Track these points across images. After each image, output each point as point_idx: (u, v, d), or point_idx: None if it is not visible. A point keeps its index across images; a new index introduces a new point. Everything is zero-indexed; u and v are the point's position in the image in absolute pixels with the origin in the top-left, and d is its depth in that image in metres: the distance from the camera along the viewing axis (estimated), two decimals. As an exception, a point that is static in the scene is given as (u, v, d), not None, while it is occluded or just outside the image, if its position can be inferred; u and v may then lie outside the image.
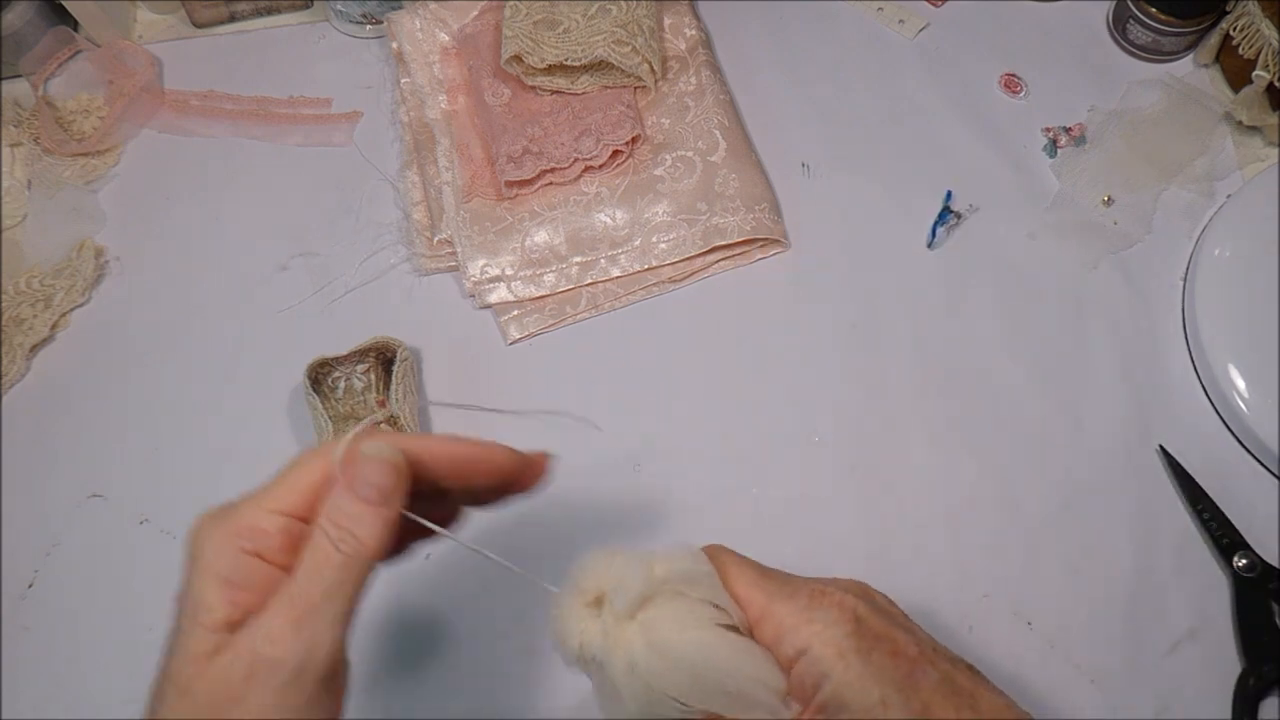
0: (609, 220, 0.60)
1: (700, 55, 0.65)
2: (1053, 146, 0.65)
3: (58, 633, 0.52)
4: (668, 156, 0.61)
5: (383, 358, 0.56)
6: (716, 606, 0.33)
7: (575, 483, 0.55)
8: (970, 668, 0.34)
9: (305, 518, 0.31)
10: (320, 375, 0.56)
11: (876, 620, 0.33)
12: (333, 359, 0.56)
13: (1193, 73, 0.68)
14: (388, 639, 0.51)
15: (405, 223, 0.62)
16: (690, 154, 0.61)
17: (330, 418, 0.54)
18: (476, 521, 0.55)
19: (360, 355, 0.56)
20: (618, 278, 0.60)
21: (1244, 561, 0.51)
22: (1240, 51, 0.63)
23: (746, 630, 0.34)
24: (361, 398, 0.56)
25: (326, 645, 0.29)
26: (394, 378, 0.55)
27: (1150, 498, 0.54)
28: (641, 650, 0.32)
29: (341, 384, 0.56)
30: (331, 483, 0.31)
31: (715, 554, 0.35)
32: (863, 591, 0.35)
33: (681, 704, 0.32)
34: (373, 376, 0.56)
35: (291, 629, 0.29)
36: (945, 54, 0.69)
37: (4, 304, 0.59)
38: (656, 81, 0.64)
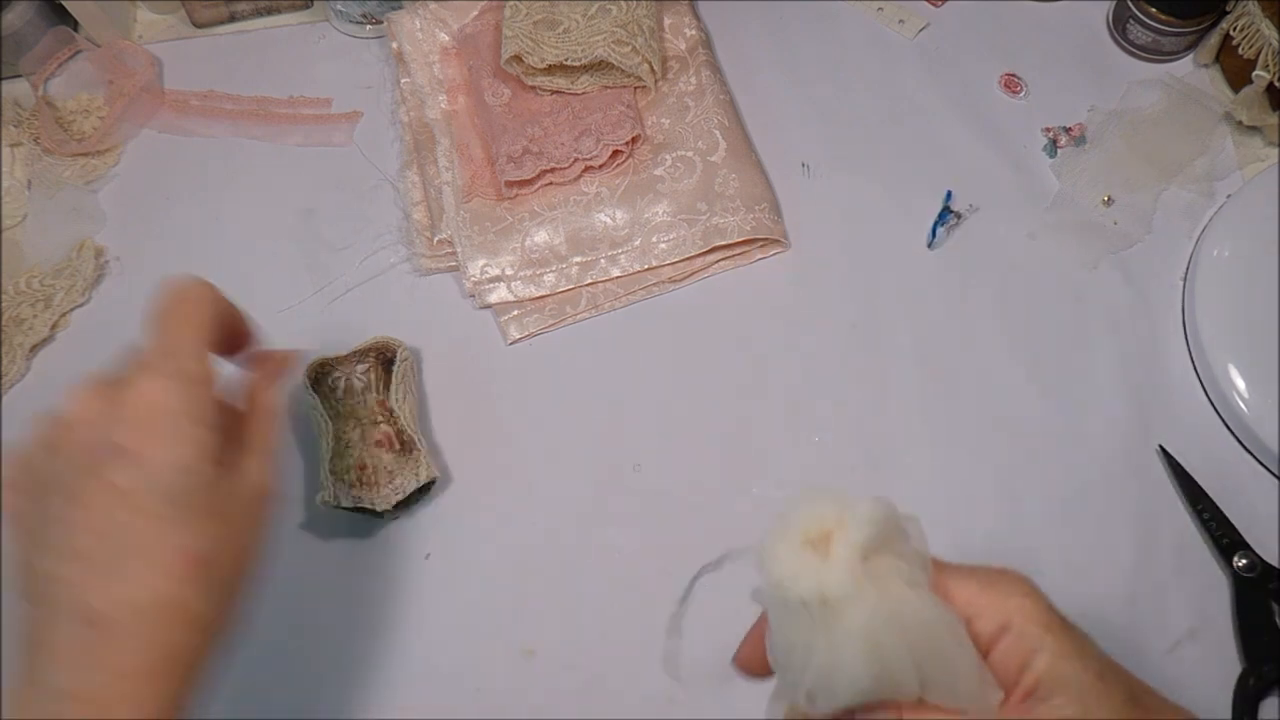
0: (609, 220, 0.60)
1: (700, 55, 0.65)
2: (1053, 146, 0.65)
3: (58, 633, 0.52)
4: (668, 156, 0.61)
5: (383, 358, 0.56)
6: (924, 561, 0.29)
7: (575, 483, 0.55)
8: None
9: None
10: (320, 375, 0.55)
11: (1055, 610, 0.30)
12: (333, 359, 0.56)
13: (1193, 73, 0.68)
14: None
15: (405, 223, 0.62)
16: (690, 154, 0.61)
17: (330, 417, 0.54)
18: (478, 514, 0.55)
19: (360, 355, 0.56)
20: (618, 278, 0.60)
21: (1244, 561, 0.51)
22: (1240, 51, 0.63)
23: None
24: (361, 397, 0.55)
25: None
26: (394, 377, 0.55)
27: (1150, 498, 0.54)
28: (878, 604, 0.27)
29: (341, 384, 0.56)
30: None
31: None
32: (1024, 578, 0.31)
33: (899, 680, 0.28)
34: (372, 376, 0.56)
35: (268, 467, 0.39)
36: (945, 54, 0.69)
37: (4, 304, 0.59)
38: (656, 81, 0.64)
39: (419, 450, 0.53)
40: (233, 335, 0.42)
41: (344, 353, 0.56)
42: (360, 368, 0.56)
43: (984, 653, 0.29)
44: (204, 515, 0.34)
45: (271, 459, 0.39)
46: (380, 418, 0.54)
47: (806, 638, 0.28)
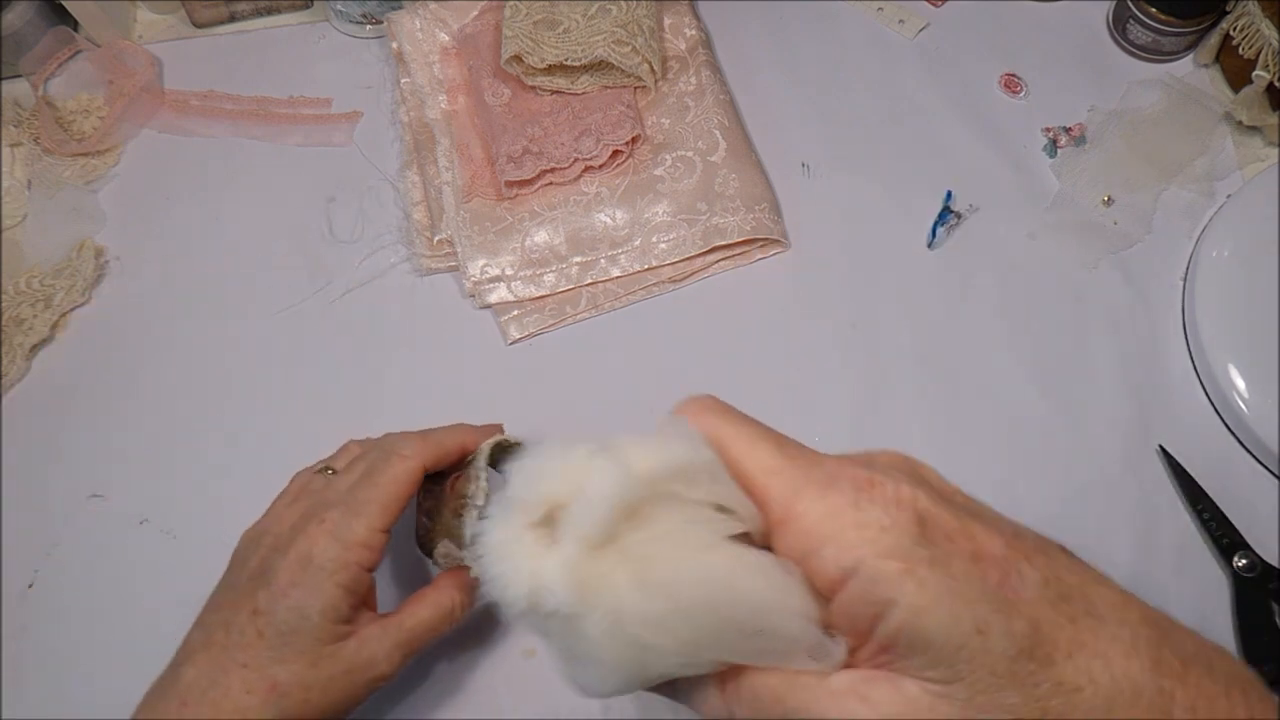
0: (609, 220, 0.60)
1: (700, 55, 0.65)
2: (1053, 146, 0.65)
3: (58, 633, 0.52)
4: (668, 156, 0.61)
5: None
6: (722, 510, 0.24)
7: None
8: (1064, 550, 0.26)
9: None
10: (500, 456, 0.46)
11: (945, 513, 0.24)
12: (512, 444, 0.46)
13: (1193, 73, 0.68)
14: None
15: (405, 223, 0.62)
16: (690, 154, 0.61)
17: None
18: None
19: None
20: (618, 278, 0.60)
21: (1244, 561, 0.51)
22: (1240, 51, 0.63)
23: (762, 538, 0.24)
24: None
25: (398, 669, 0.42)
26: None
27: (1150, 498, 0.54)
28: (628, 593, 0.22)
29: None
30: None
31: (712, 425, 0.26)
32: (915, 471, 0.26)
33: (688, 660, 0.23)
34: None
35: (402, 658, 0.42)
36: (945, 54, 0.69)
37: (4, 304, 0.59)
38: (656, 81, 0.64)
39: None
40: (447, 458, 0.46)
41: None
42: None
43: (829, 595, 0.24)
44: (301, 658, 0.39)
45: (406, 649, 0.42)
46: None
47: (549, 640, 0.24)
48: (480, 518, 0.42)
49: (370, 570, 0.41)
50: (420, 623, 0.42)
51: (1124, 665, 0.23)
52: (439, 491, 0.46)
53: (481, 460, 0.44)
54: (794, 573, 0.24)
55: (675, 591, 0.22)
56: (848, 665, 0.24)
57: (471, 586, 0.45)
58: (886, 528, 0.23)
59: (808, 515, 0.24)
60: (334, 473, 0.45)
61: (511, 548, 0.23)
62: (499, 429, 0.48)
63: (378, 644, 0.41)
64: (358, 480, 0.43)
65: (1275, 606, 0.50)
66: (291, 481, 0.47)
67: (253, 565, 0.42)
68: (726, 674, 0.25)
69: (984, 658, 0.22)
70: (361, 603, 0.41)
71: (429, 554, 0.46)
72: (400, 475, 0.43)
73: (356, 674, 0.40)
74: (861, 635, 0.24)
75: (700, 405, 0.27)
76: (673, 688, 0.26)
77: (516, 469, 0.24)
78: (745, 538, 0.24)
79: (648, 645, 0.23)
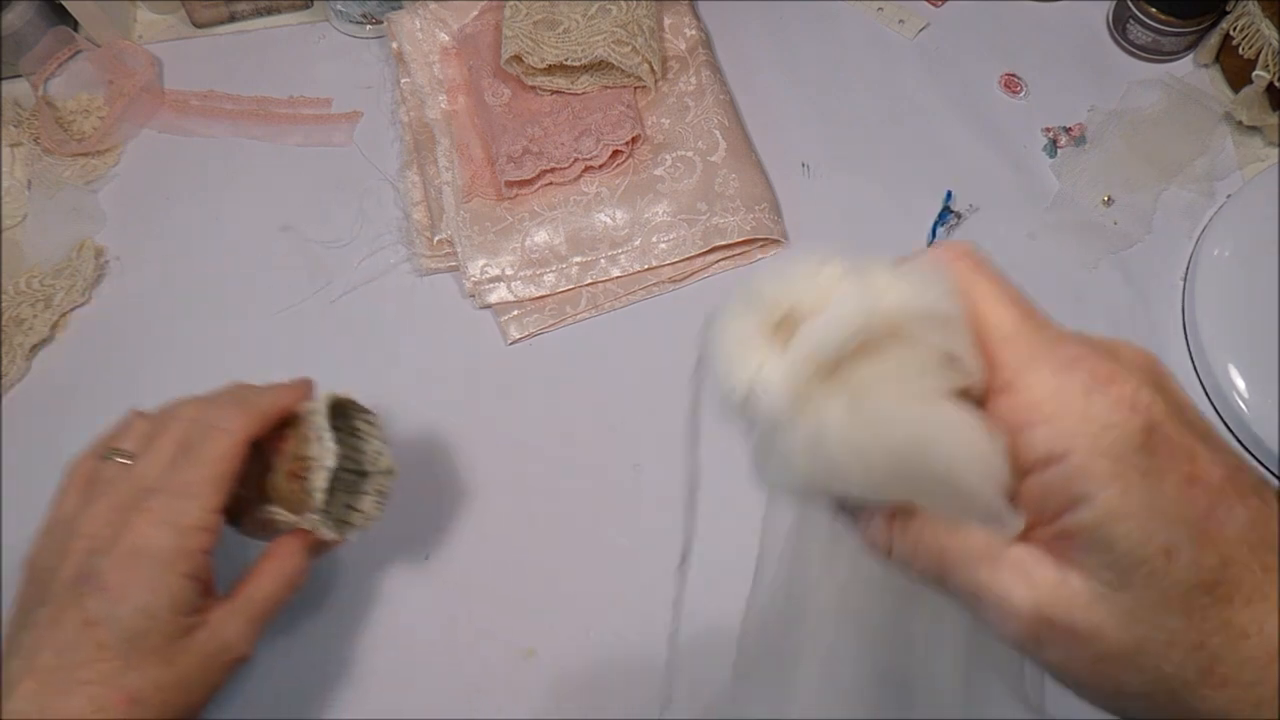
0: (609, 220, 0.60)
1: (700, 55, 0.65)
2: (1053, 146, 0.65)
3: (58, 633, 0.51)
4: (668, 156, 0.61)
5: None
6: (953, 361, 0.23)
7: (575, 482, 0.55)
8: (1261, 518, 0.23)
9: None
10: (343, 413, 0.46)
11: (1175, 428, 0.23)
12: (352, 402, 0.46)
13: (1193, 73, 0.68)
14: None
15: (405, 223, 0.62)
16: (690, 154, 0.61)
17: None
18: (477, 515, 0.55)
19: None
20: (618, 278, 0.60)
21: (1244, 561, 0.51)
22: (1240, 51, 0.63)
23: (983, 397, 0.24)
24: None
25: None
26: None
27: (1150, 498, 0.54)
28: (839, 418, 0.23)
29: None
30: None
31: (963, 273, 0.25)
32: (1158, 377, 0.25)
33: (871, 491, 0.24)
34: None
35: (255, 634, 0.40)
36: (945, 54, 0.69)
37: (4, 304, 0.59)
38: (656, 81, 0.64)
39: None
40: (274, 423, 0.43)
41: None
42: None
43: (1028, 471, 0.23)
44: (153, 659, 0.36)
45: (257, 625, 0.40)
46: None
47: (752, 432, 0.24)
48: (330, 479, 0.41)
49: (209, 553, 0.39)
50: (267, 595, 0.41)
51: None
52: (255, 455, 0.42)
53: (322, 419, 0.42)
54: (998, 440, 0.23)
55: (881, 430, 0.23)
56: (1021, 539, 0.24)
57: (313, 549, 0.43)
58: (1111, 426, 0.22)
59: (1034, 389, 0.23)
60: (127, 457, 0.41)
61: (746, 340, 0.24)
62: (310, 384, 0.45)
63: (230, 626, 0.39)
64: (174, 460, 0.39)
65: (1275, 606, 0.50)
66: (69, 473, 0.42)
67: (65, 573, 0.37)
68: (898, 510, 0.25)
69: (1163, 579, 0.22)
70: (207, 588, 0.39)
71: (235, 522, 0.43)
72: (226, 451, 0.40)
73: (213, 661, 0.38)
74: (1046, 518, 0.23)
75: (956, 252, 0.26)
76: (842, 506, 0.26)
77: (768, 267, 0.25)
78: (966, 393, 0.24)
79: (839, 469, 0.23)
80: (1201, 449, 0.23)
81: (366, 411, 0.46)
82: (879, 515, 0.25)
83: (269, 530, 0.43)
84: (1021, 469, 0.23)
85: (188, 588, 0.37)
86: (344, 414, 0.45)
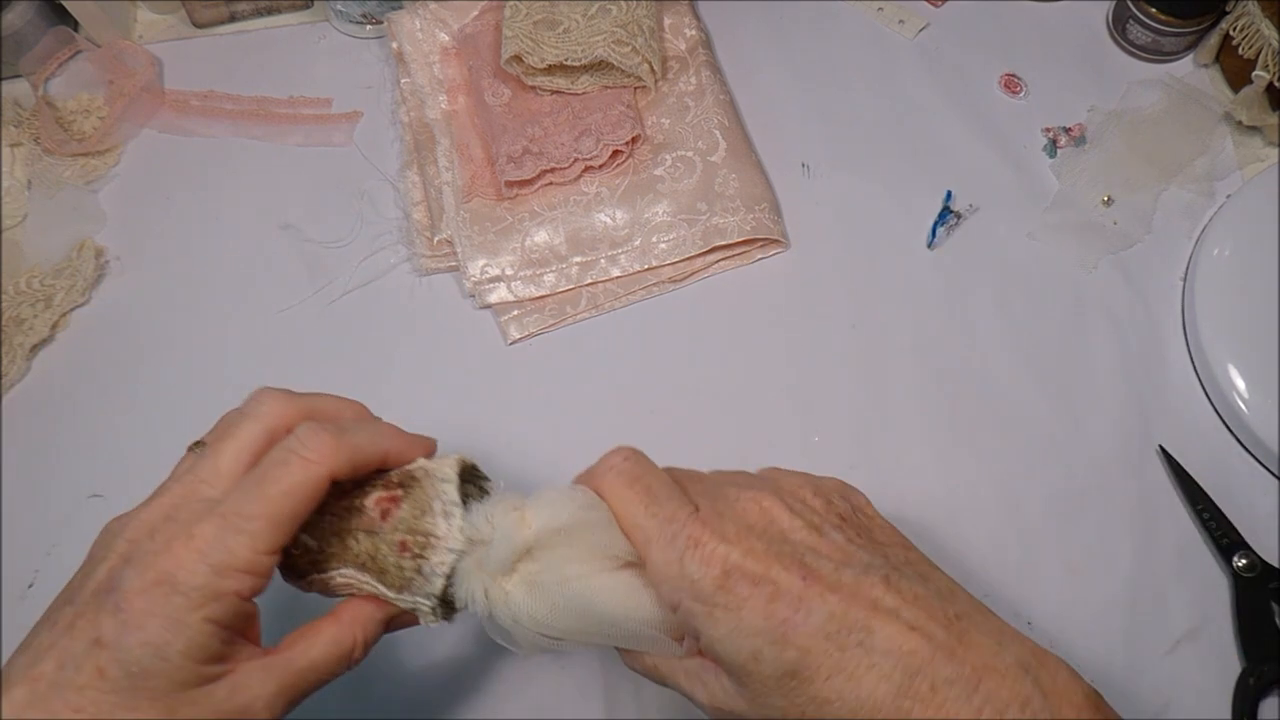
0: (609, 220, 0.60)
1: (700, 55, 0.65)
2: (1053, 146, 0.65)
3: (58, 633, 0.51)
4: (668, 156, 0.61)
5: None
6: (605, 548, 0.35)
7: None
8: (887, 579, 0.33)
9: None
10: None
11: (754, 563, 0.32)
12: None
13: (1193, 73, 0.68)
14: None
15: (405, 223, 0.62)
16: (690, 154, 0.61)
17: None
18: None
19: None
20: (618, 278, 0.60)
21: (1244, 561, 0.51)
22: (1240, 51, 0.63)
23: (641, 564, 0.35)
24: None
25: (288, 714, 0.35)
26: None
27: (1150, 498, 0.54)
28: (523, 602, 0.34)
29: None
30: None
31: (607, 488, 0.36)
32: (754, 521, 0.34)
33: (580, 641, 0.35)
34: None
35: (286, 704, 0.34)
36: (945, 54, 0.69)
37: (4, 304, 0.59)
38: (656, 81, 0.64)
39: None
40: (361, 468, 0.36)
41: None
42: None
43: (672, 612, 0.34)
44: (153, 704, 0.31)
45: (290, 694, 0.34)
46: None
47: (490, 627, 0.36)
48: (456, 562, 0.35)
49: (249, 599, 0.33)
50: (312, 663, 0.34)
51: (871, 687, 0.31)
52: (343, 507, 0.36)
53: (454, 493, 0.36)
54: (649, 593, 0.34)
55: (555, 601, 0.34)
56: (698, 654, 0.34)
57: (393, 625, 0.37)
58: (698, 579, 0.32)
59: (653, 562, 0.34)
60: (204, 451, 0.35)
61: (462, 569, 0.35)
62: (431, 444, 0.39)
63: (258, 687, 0.33)
64: (242, 474, 0.34)
65: (1275, 606, 0.50)
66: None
67: (100, 575, 0.33)
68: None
69: (758, 675, 0.32)
70: (239, 638, 0.33)
71: (290, 571, 0.37)
72: (301, 485, 0.33)
73: None
74: (693, 645, 0.34)
75: (605, 467, 0.37)
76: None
77: (472, 513, 0.35)
78: (629, 565, 0.35)
79: (543, 633, 0.34)
80: (782, 571, 0.32)
81: (485, 479, 0.40)
82: (636, 657, 0.37)
83: (338, 592, 0.37)
84: (672, 611, 0.34)
85: (211, 634, 0.32)
86: (465, 479, 0.38)
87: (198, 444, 0.36)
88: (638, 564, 0.35)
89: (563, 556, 0.34)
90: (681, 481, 0.37)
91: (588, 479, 0.37)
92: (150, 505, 0.34)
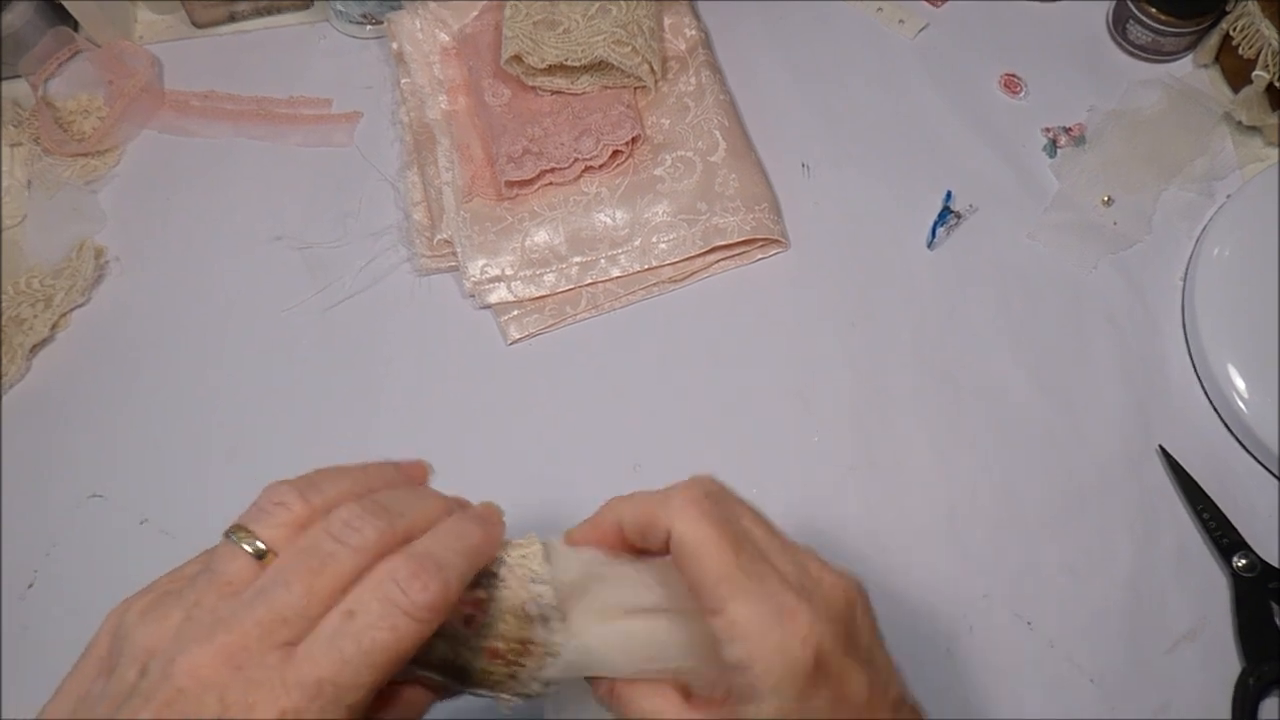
0: (609, 220, 0.60)
1: (700, 55, 0.65)
2: (1053, 146, 0.65)
3: (58, 633, 0.52)
4: (668, 156, 0.61)
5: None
6: (621, 601, 0.33)
7: (575, 483, 0.55)
8: (915, 712, 0.32)
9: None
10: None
11: (837, 658, 0.30)
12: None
13: (1193, 73, 0.68)
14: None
15: (405, 223, 0.62)
16: (690, 154, 0.61)
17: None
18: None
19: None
20: (618, 278, 0.60)
21: (1244, 561, 0.51)
22: (1240, 51, 0.63)
23: (678, 604, 0.32)
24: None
25: None
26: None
27: (1150, 498, 0.54)
28: (597, 630, 0.33)
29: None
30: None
31: (690, 523, 0.31)
32: (840, 610, 0.31)
33: (615, 670, 0.33)
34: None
35: None
36: (945, 54, 0.69)
37: (4, 304, 0.59)
38: (656, 81, 0.64)
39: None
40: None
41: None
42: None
43: (721, 659, 0.31)
44: None
45: None
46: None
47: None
48: (558, 667, 0.32)
49: None
50: None
51: None
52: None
53: (550, 595, 0.32)
54: (689, 635, 0.32)
55: (594, 647, 0.32)
56: (692, 708, 0.32)
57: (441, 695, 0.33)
58: (784, 652, 0.29)
59: (738, 616, 0.30)
60: (259, 553, 0.29)
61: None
62: (501, 524, 0.35)
63: None
64: (323, 635, 0.27)
65: (1275, 606, 0.50)
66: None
67: (130, 676, 0.27)
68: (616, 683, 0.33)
69: None
70: None
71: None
72: (394, 650, 0.27)
73: None
74: (723, 700, 0.31)
75: (692, 496, 0.32)
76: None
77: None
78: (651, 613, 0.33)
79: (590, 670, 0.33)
80: (854, 673, 0.30)
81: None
82: (604, 684, 0.33)
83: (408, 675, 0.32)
84: (720, 657, 0.30)
85: None
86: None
87: (240, 531, 0.30)
88: (664, 612, 0.32)
89: (593, 603, 0.33)
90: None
91: (653, 505, 0.32)
92: (215, 641, 0.27)
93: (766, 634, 0.29)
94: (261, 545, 0.29)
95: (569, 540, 0.35)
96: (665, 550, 0.32)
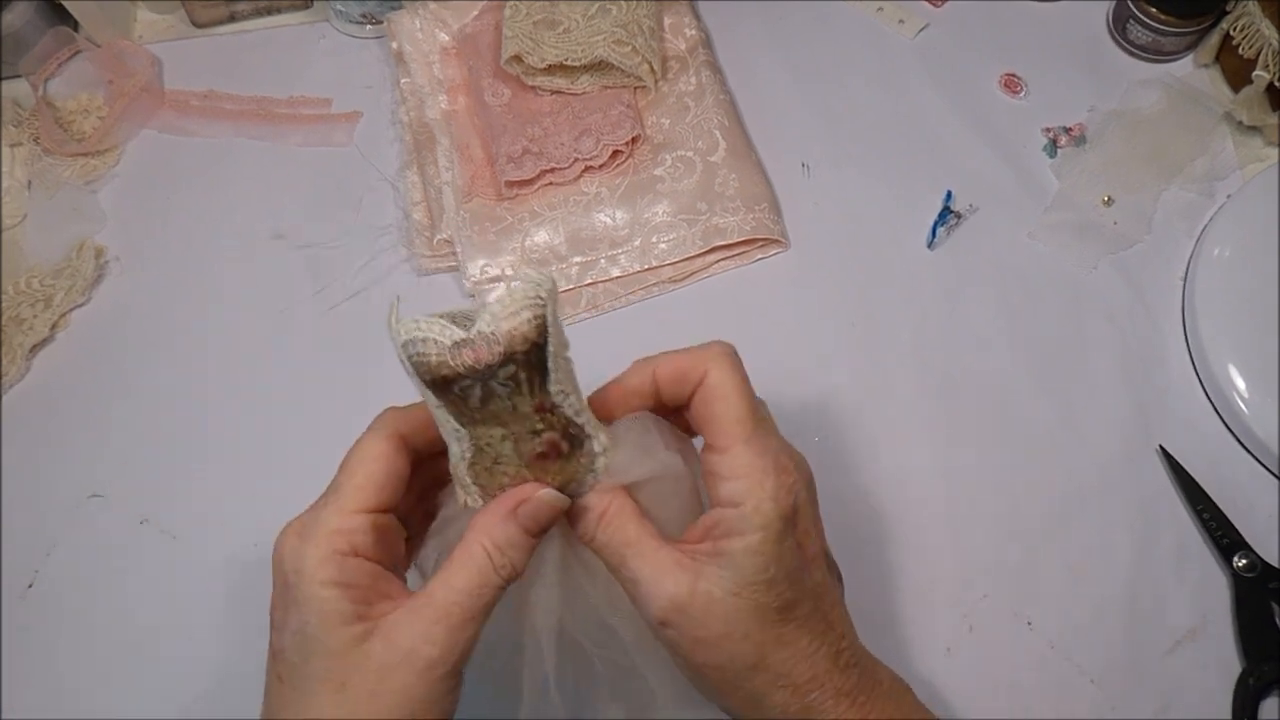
0: (609, 220, 0.60)
1: (700, 55, 0.65)
2: (1053, 146, 0.65)
3: (58, 633, 0.52)
4: (668, 156, 0.61)
5: (528, 351, 0.34)
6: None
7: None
8: (831, 588, 0.37)
9: (383, 509, 0.35)
10: (442, 384, 0.36)
11: (807, 510, 0.36)
12: (453, 367, 0.34)
13: (1193, 73, 0.68)
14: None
15: (405, 223, 0.62)
16: (690, 154, 0.61)
17: (463, 424, 0.36)
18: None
19: (492, 355, 0.34)
20: (618, 278, 0.60)
21: (1244, 561, 0.51)
22: (1240, 51, 0.63)
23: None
24: (508, 402, 0.35)
25: (469, 646, 0.34)
26: (550, 368, 0.35)
27: (1150, 498, 0.54)
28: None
29: (476, 392, 0.35)
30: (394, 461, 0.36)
31: (728, 367, 0.37)
32: (809, 480, 0.37)
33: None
34: (522, 376, 0.35)
35: (447, 633, 0.33)
36: (945, 54, 0.69)
37: (4, 304, 0.59)
38: (656, 81, 0.64)
39: (588, 437, 0.37)
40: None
41: (458, 340, 0.34)
42: (503, 372, 0.34)
43: (715, 502, 0.35)
44: (325, 686, 0.32)
45: (445, 624, 0.33)
46: (540, 424, 0.36)
47: None
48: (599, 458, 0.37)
49: (360, 554, 0.34)
50: (454, 590, 0.33)
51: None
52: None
53: (568, 359, 0.36)
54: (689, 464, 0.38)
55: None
56: (677, 545, 0.35)
57: (522, 521, 0.35)
58: (773, 499, 0.34)
59: (740, 458, 0.35)
60: None
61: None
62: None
63: (408, 629, 0.33)
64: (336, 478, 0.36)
65: (1275, 606, 0.50)
66: None
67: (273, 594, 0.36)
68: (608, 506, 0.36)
69: (760, 597, 0.34)
70: (374, 595, 0.34)
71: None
72: (367, 451, 0.35)
73: (398, 674, 0.32)
74: (707, 536, 0.35)
75: (719, 350, 0.39)
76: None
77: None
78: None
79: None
80: (814, 529, 0.36)
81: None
82: (591, 512, 0.36)
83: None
84: (716, 501, 0.35)
85: (336, 597, 0.32)
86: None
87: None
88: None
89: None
90: None
91: (690, 355, 0.38)
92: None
93: (763, 479, 0.34)
94: None
95: (597, 398, 0.39)
96: (686, 404, 0.37)
